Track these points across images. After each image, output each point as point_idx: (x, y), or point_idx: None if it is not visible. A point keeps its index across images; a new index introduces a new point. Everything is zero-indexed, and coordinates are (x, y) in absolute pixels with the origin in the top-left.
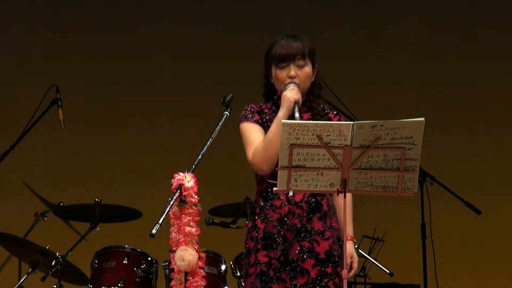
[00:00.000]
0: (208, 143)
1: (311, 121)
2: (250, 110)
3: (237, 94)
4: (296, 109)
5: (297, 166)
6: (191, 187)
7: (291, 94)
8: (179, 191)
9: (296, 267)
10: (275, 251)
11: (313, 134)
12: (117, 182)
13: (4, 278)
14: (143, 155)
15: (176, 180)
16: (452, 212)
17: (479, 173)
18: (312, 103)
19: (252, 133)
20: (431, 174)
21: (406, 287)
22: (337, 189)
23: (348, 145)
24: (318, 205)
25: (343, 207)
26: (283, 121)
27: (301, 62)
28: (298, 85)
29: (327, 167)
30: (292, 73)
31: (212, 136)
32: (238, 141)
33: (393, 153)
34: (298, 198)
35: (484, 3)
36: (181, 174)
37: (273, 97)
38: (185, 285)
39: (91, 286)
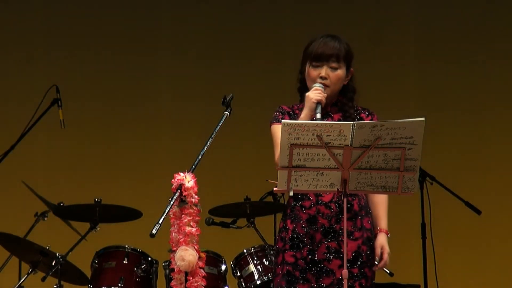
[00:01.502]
0: (208, 143)
1: (311, 121)
2: (280, 111)
3: (237, 94)
4: (318, 110)
5: (297, 166)
6: (191, 187)
7: (313, 95)
8: (179, 191)
9: (322, 267)
10: (301, 252)
11: (313, 134)
12: (117, 182)
13: (4, 278)
14: (143, 155)
15: (176, 180)
16: (452, 212)
17: (479, 173)
18: (344, 106)
19: (279, 135)
20: (431, 174)
21: (406, 287)
22: (337, 189)
23: (348, 145)
24: (348, 206)
25: (381, 203)
26: (283, 121)
27: (334, 64)
28: (327, 86)
29: (327, 167)
30: (323, 73)
31: (212, 136)
32: (238, 141)
33: (393, 153)
34: (327, 199)
35: (484, 2)
36: (181, 174)
37: (305, 93)
38: (185, 285)
39: (91, 286)
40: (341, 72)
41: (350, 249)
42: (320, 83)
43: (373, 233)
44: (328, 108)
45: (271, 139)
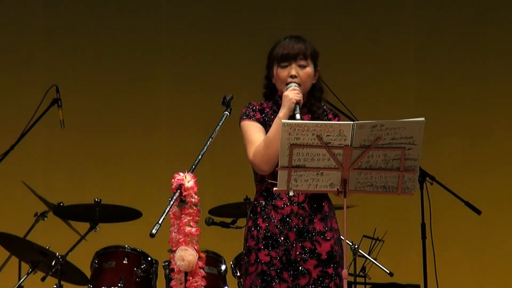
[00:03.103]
0: (208, 143)
1: (311, 121)
2: (251, 108)
3: (237, 94)
4: (297, 110)
5: (297, 166)
6: (191, 187)
7: (292, 94)
8: (179, 191)
9: (298, 267)
10: (277, 251)
11: (313, 134)
12: (117, 182)
13: (4, 278)
14: (143, 155)
15: (176, 180)
16: (452, 212)
17: (479, 173)
18: (313, 106)
19: (253, 132)
20: (431, 174)
21: (406, 287)
22: (337, 189)
23: (348, 145)
24: (319, 206)
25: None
26: (283, 121)
27: (302, 62)
28: (299, 85)
29: (327, 167)
30: (293, 72)
31: (212, 136)
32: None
33: (393, 153)
34: (300, 199)
35: (484, 2)
36: (181, 174)
37: (273, 97)
38: (185, 285)
39: (91, 286)
40: (309, 69)
41: (324, 249)
42: (291, 82)
43: (339, 233)
44: None
45: (241, 136)
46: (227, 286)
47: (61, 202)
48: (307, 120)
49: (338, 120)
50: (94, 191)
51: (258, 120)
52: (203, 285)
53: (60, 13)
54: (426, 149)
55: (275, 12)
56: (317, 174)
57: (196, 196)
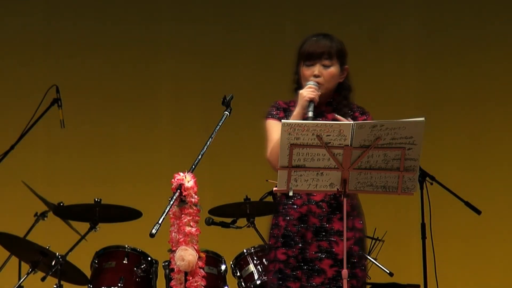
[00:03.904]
0: (208, 143)
1: (311, 121)
2: (276, 106)
3: (237, 94)
4: (310, 108)
5: (297, 166)
6: (191, 187)
7: (306, 92)
8: (179, 191)
9: (313, 266)
10: (293, 250)
11: (313, 134)
12: (117, 182)
13: (4, 278)
14: (143, 155)
15: (176, 180)
16: (452, 212)
17: (479, 173)
18: (338, 104)
19: (274, 130)
20: (431, 174)
21: (406, 287)
22: (337, 189)
23: (348, 145)
24: (339, 205)
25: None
26: (283, 121)
27: (327, 62)
28: (321, 84)
29: (327, 167)
30: (316, 72)
31: (212, 136)
32: (238, 141)
33: (393, 153)
34: (318, 198)
35: (484, 2)
36: (181, 174)
37: None
38: (185, 285)
39: (91, 286)
40: (334, 69)
41: (341, 249)
42: (314, 81)
43: (364, 233)
44: (323, 108)
45: (264, 134)
46: (227, 286)
47: (61, 202)
48: (331, 118)
49: (367, 118)
50: (94, 191)
51: (280, 119)
52: (203, 285)
53: (60, 13)
54: (426, 149)
55: (275, 12)
56: (317, 174)
57: (196, 196)
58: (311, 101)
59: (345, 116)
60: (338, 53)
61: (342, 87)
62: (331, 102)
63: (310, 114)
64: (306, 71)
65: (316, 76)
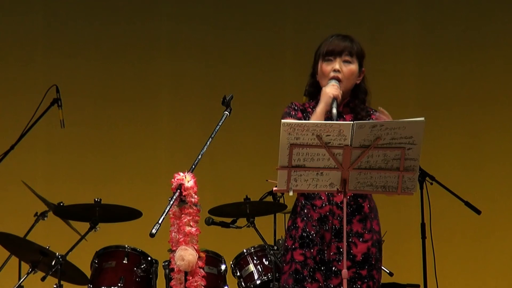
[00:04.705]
0: (208, 143)
1: (311, 121)
2: (293, 107)
3: (237, 94)
4: (334, 105)
5: (297, 166)
6: (191, 187)
7: (330, 89)
8: (179, 191)
9: (331, 268)
10: (311, 251)
11: (313, 134)
12: (117, 182)
13: (4, 278)
14: (143, 155)
15: (176, 180)
16: (452, 212)
17: (479, 173)
18: (356, 107)
19: None
20: (431, 174)
21: (406, 287)
22: (337, 189)
23: (348, 145)
24: (359, 207)
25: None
26: (283, 121)
27: (348, 58)
28: (341, 81)
29: (327, 167)
30: (337, 66)
31: (212, 136)
32: (238, 141)
33: (393, 153)
34: (339, 199)
35: (485, 2)
36: (181, 174)
37: (317, 96)
38: (185, 285)
39: (91, 286)
40: (354, 67)
41: (360, 251)
42: (334, 76)
43: (381, 235)
44: (341, 108)
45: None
46: (227, 286)
47: (61, 202)
48: (349, 119)
49: None
50: (94, 191)
51: (298, 119)
52: (203, 285)
53: (60, 13)
54: (426, 149)
55: (275, 12)
56: (317, 174)
57: (196, 196)
58: (334, 98)
59: (362, 119)
60: (358, 53)
61: (359, 89)
62: (349, 104)
63: (334, 110)
64: (326, 66)
65: (336, 70)
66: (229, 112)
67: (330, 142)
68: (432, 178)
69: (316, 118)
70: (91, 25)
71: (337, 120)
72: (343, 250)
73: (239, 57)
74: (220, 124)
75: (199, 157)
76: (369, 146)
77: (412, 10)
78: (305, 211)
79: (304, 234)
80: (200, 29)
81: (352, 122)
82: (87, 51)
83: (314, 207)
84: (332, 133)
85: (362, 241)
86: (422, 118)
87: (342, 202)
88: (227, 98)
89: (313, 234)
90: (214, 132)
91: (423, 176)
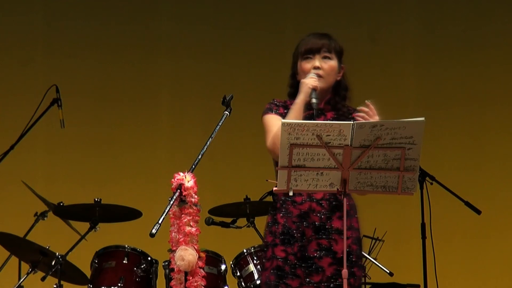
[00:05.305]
0: (208, 143)
1: (311, 121)
2: (275, 103)
3: (237, 94)
4: (314, 95)
5: (297, 166)
6: (191, 187)
7: (309, 80)
8: (179, 191)
9: (312, 264)
10: (292, 247)
11: (313, 134)
12: (117, 182)
13: (4, 278)
14: (143, 155)
15: (176, 180)
16: (452, 212)
17: (479, 173)
18: (337, 104)
19: (274, 123)
20: (431, 174)
21: (406, 287)
22: (337, 189)
23: (348, 145)
24: (338, 204)
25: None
26: (283, 121)
27: (327, 54)
28: (321, 77)
29: (327, 167)
30: (317, 63)
31: (212, 136)
32: (238, 141)
33: (393, 153)
34: (319, 196)
35: (485, 2)
36: (181, 174)
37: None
38: (185, 285)
39: (91, 286)
40: (334, 63)
41: (340, 248)
42: (314, 73)
43: (360, 232)
44: (322, 105)
45: (263, 129)
46: (227, 286)
47: (61, 202)
48: (331, 117)
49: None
50: (94, 191)
51: (280, 115)
52: (203, 285)
53: (60, 13)
54: (426, 149)
55: (275, 12)
56: (317, 174)
57: (196, 196)
58: (313, 89)
59: (344, 115)
60: (337, 50)
61: (340, 86)
62: (329, 101)
63: (314, 100)
64: (306, 64)
65: (316, 67)
66: (229, 112)
67: (330, 142)
68: (432, 178)
69: (296, 108)
70: (91, 25)
71: (317, 111)
72: (324, 246)
73: (239, 57)
74: (220, 124)
75: (199, 157)
76: (369, 146)
77: (412, 10)
78: (285, 207)
79: (285, 230)
80: (200, 29)
81: (352, 122)
82: (87, 51)
83: (294, 204)
84: (332, 133)
85: (343, 238)
86: (422, 118)
87: (321, 199)
88: (227, 98)
89: (293, 230)
90: (214, 132)
91: (423, 176)
